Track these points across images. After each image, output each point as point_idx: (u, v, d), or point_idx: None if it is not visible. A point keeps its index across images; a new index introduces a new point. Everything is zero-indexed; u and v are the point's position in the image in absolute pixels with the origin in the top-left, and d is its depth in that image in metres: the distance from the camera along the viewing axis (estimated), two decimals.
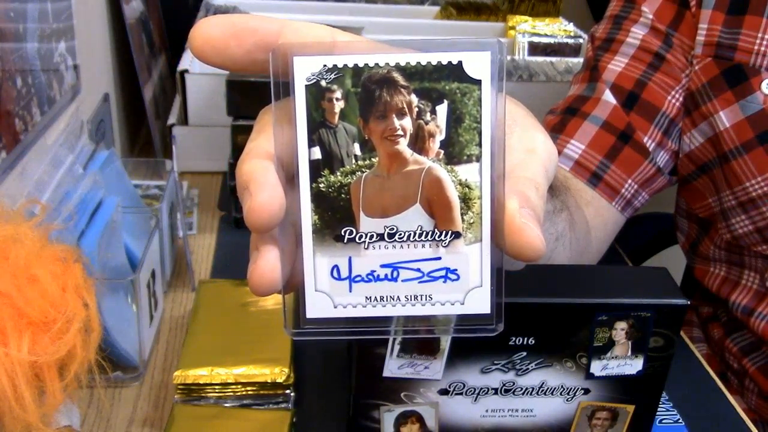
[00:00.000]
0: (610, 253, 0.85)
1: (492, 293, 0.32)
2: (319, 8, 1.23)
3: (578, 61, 1.01)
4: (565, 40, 1.09)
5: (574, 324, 0.50)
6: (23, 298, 0.43)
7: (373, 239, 0.31)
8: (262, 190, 0.30)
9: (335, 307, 0.32)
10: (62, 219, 0.57)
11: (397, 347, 0.49)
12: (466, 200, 0.31)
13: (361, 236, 0.31)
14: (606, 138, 0.71)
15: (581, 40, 1.11)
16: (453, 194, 0.31)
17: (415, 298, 0.32)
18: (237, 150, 0.79)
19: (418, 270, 0.32)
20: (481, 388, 0.51)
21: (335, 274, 0.31)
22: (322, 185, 0.31)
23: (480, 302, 0.32)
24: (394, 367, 0.50)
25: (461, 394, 0.51)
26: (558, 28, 1.14)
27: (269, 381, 0.56)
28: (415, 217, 0.31)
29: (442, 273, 0.32)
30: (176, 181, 0.73)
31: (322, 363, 0.64)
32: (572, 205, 0.68)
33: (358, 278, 0.31)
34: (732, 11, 0.66)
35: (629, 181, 0.71)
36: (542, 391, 0.52)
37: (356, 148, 0.31)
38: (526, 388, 0.52)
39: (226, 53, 0.32)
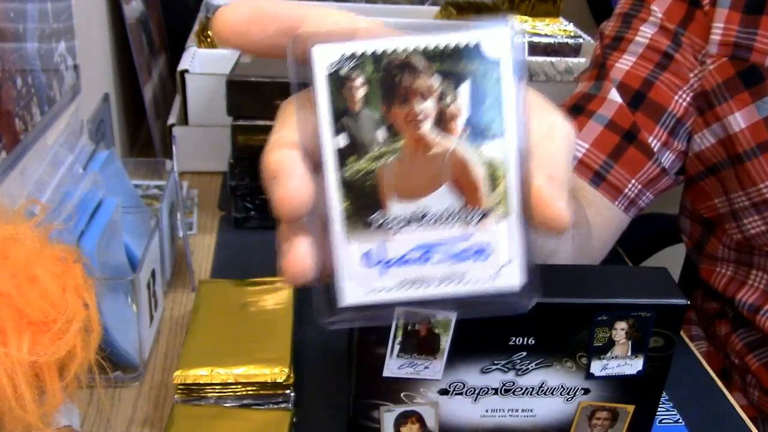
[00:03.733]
0: (610, 253, 0.85)
1: (523, 268, 0.32)
2: None
3: (578, 61, 1.01)
4: (565, 40, 1.09)
5: (574, 324, 0.50)
6: (23, 298, 0.43)
7: (403, 223, 0.31)
8: (291, 179, 0.30)
9: (368, 293, 0.32)
10: (62, 219, 0.57)
11: (397, 347, 0.49)
12: (492, 178, 0.31)
13: (390, 220, 0.31)
14: (610, 137, 0.70)
15: (581, 40, 1.11)
16: (479, 173, 0.31)
17: (448, 278, 0.32)
18: (237, 150, 0.79)
19: (449, 250, 0.32)
20: (481, 388, 0.51)
21: (367, 260, 0.32)
22: (349, 172, 0.31)
23: (512, 278, 0.32)
24: (394, 367, 0.50)
25: (461, 394, 0.51)
26: (558, 28, 1.14)
27: (269, 381, 0.56)
28: (443, 198, 0.31)
29: (473, 251, 0.32)
30: (176, 181, 0.73)
31: (322, 363, 0.64)
32: (575, 202, 0.67)
33: (390, 262, 0.32)
34: (748, 11, 0.65)
35: (633, 181, 0.71)
36: (542, 391, 0.52)
37: (381, 134, 0.31)
38: (526, 388, 0.52)
39: (248, 38, 0.32)
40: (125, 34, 0.96)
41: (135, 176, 0.78)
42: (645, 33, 0.71)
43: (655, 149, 0.70)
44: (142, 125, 1.12)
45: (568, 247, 0.63)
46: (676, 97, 0.69)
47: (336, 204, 0.31)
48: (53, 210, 0.59)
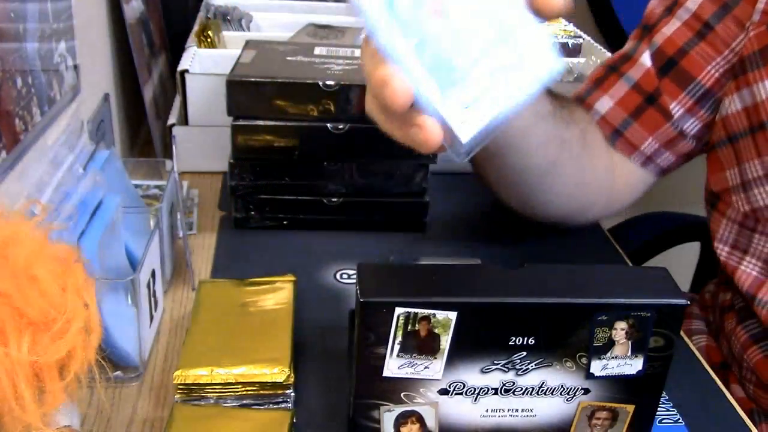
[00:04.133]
0: (611, 253, 0.85)
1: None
2: (319, 8, 1.23)
3: (578, 61, 1.01)
4: (565, 40, 1.09)
5: (574, 324, 0.50)
6: (23, 298, 0.43)
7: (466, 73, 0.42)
8: (397, 79, 0.40)
9: (472, 125, 0.42)
10: (62, 219, 0.57)
11: (397, 347, 0.49)
12: None
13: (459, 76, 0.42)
14: (633, 98, 0.75)
15: (581, 40, 1.11)
16: None
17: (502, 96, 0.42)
18: (237, 150, 0.79)
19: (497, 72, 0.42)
20: (481, 388, 0.51)
21: (460, 106, 0.42)
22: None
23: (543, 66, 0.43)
24: (394, 367, 0.50)
25: (461, 394, 0.52)
26: (558, 28, 1.14)
27: (269, 381, 0.56)
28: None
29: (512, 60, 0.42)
30: (176, 181, 0.73)
31: (322, 363, 0.64)
32: (588, 130, 0.74)
33: (471, 103, 0.42)
34: None
35: (650, 139, 0.76)
36: (542, 391, 0.52)
37: None
38: (526, 388, 0.52)
39: None
40: (125, 34, 0.96)
41: (135, 176, 0.78)
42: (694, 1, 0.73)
43: (676, 114, 0.74)
44: (142, 125, 1.12)
45: (573, 164, 0.71)
46: (709, 68, 0.72)
47: (429, 83, 0.41)
48: (53, 210, 0.59)
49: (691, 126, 0.75)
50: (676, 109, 0.74)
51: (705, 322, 0.89)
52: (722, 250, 0.77)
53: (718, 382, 0.66)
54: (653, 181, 0.80)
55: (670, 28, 0.74)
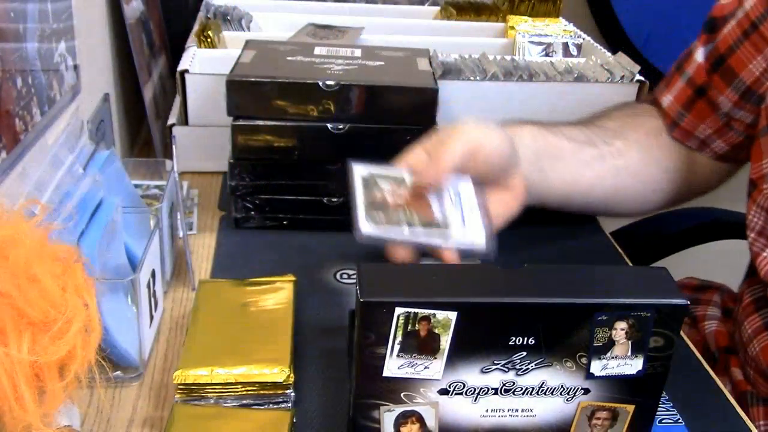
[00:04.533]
0: (610, 254, 0.85)
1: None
2: (319, 8, 1.23)
3: (578, 61, 1.01)
4: (565, 40, 1.09)
5: (574, 324, 0.50)
6: (23, 298, 0.43)
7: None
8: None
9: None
10: (62, 219, 0.57)
11: (397, 347, 0.49)
12: None
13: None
14: (686, 91, 0.83)
15: (581, 40, 1.11)
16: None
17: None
18: (237, 150, 0.79)
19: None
20: (481, 388, 0.51)
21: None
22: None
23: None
24: (394, 367, 0.50)
25: (461, 394, 0.51)
26: (558, 28, 1.14)
27: (269, 381, 0.56)
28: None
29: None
30: (176, 181, 0.73)
31: (322, 363, 0.64)
32: (651, 132, 0.83)
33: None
34: None
35: (702, 126, 0.83)
36: (542, 391, 0.52)
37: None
38: (526, 388, 0.52)
39: None
40: (125, 34, 0.96)
41: (135, 176, 0.78)
42: (750, 1, 0.77)
43: (723, 106, 0.80)
44: (142, 125, 1.12)
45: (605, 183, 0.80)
46: (751, 66, 0.77)
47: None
48: (53, 210, 0.59)
49: (742, 116, 0.80)
50: (723, 102, 0.80)
51: (722, 310, 0.92)
52: (750, 237, 0.79)
53: (718, 382, 0.66)
54: (726, 171, 0.87)
55: (728, 27, 0.79)
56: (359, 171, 0.69)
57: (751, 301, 0.82)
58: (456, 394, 0.51)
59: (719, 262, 1.35)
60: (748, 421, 0.62)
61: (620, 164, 0.81)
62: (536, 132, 0.76)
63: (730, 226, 1.18)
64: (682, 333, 0.75)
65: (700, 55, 0.82)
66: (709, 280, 1.01)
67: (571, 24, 1.19)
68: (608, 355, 0.51)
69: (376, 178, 0.69)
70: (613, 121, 0.83)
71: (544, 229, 0.83)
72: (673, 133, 0.85)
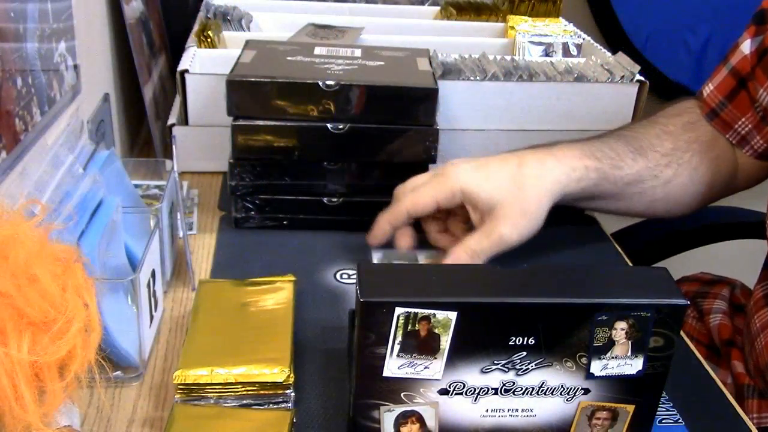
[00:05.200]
0: (611, 254, 0.85)
1: None
2: (319, 8, 1.23)
3: (578, 61, 1.01)
4: (565, 40, 1.09)
5: (574, 324, 0.50)
6: (23, 298, 0.43)
7: None
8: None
9: None
10: (62, 219, 0.57)
11: (397, 347, 0.49)
12: None
13: None
14: (730, 82, 0.83)
15: (581, 40, 1.11)
16: None
17: None
18: (237, 150, 0.79)
19: None
20: (481, 388, 0.51)
21: None
22: None
23: None
24: (394, 367, 0.50)
25: (461, 394, 0.52)
26: (558, 28, 1.14)
27: (269, 381, 0.56)
28: None
29: None
30: (176, 181, 0.73)
31: (322, 363, 0.64)
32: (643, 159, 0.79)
33: None
34: None
35: (742, 119, 0.82)
36: (542, 391, 0.52)
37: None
38: (526, 388, 0.52)
39: None
40: (125, 34, 0.96)
41: (135, 176, 0.78)
42: None
43: (762, 100, 0.79)
44: (142, 125, 1.12)
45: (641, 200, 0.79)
46: None
47: None
48: (53, 210, 0.59)
49: None
50: (762, 96, 0.79)
51: (729, 304, 0.93)
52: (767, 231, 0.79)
53: (718, 382, 0.66)
54: (766, 171, 0.86)
55: None
56: (377, 255, 0.77)
57: (762, 296, 0.82)
58: (456, 394, 0.51)
59: (741, 260, 1.36)
60: (748, 421, 0.62)
61: (668, 192, 0.80)
62: (585, 169, 0.73)
63: (730, 227, 1.18)
64: (685, 330, 0.75)
65: (746, 46, 0.82)
66: (723, 276, 1.02)
67: (571, 24, 1.19)
68: (608, 355, 0.51)
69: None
70: (668, 142, 0.81)
71: (544, 229, 0.83)
72: (713, 122, 0.84)
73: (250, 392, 0.56)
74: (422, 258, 0.77)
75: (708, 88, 0.85)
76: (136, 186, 0.77)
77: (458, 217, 0.76)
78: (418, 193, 0.72)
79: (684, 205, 0.84)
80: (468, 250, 0.69)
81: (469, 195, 0.70)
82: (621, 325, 0.50)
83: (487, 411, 0.53)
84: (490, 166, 0.71)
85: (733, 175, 0.86)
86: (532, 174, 0.70)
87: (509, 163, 0.71)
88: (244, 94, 0.77)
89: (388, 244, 0.76)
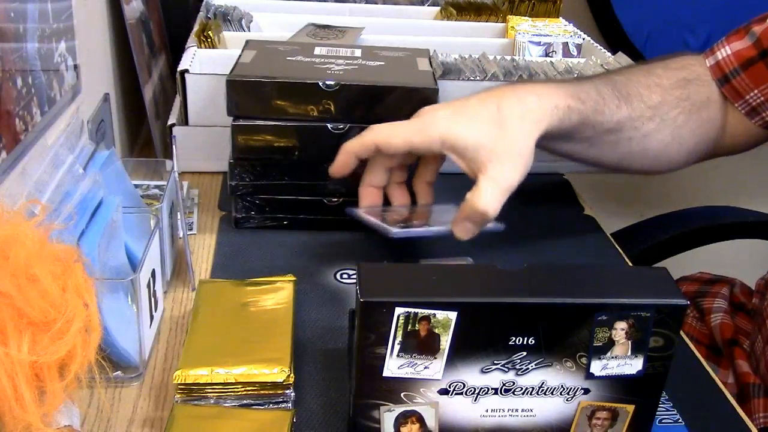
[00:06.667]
0: (610, 255, 0.85)
1: None
2: (319, 8, 1.23)
3: (578, 61, 1.01)
4: (565, 40, 1.09)
5: (574, 324, 0.50)
6: (23, 298, 0.43)
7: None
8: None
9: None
10: (62, 219, 0.57)
11: (397, 347, 0.49)
12: None
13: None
14: (750, 51, 0.79)
15: (581, 40, 1.11)
16: None
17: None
18: (237, 150, 0.79)
19: None
20: (481, 388, 0.51)
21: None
22: None
23: None
24: (394, 367, 0.50)
25: (461, 394, 0.52)
26: (558, 28, 1.14)
27: (269, 381, 0.56)
28: None
29: None
30: (176, 181, 0.73)
31: (322, 363, 0.64)
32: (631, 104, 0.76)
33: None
34: None
35: (756, 91, 0.79)
36: (542, 391, 0.52)
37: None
38: (526, 388, 0.52)
39: None
40: (125, 34, 0.96)
41: (135, 176, 0.78)
42: None
43: None
44: (142, 125, 1.12)
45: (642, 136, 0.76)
46: None
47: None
48: (53, 210, 0.59)
49: None
50: None
51: (729, 303, 0.93)
52: None
53: (718, 382, 0.66)
54: (762, 139, 0.83)
55: None
56: (360, 212, 0.75)
57: None
58: (456, 394, 0.51)
59: (740, 259, 1.36)
60: (748, 420, 0.62)
61: (646, 147, 0.78)
62: (568, 109, 0.71)
63: (729, 227, 1.19)
64: (684, 330, 0.75)
65: None
66: (722, 275, 1.02)
67: (571, 24, 1.19)
68: (608, 355, 0.51)
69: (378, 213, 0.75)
70: (656, 95, 0.78)
71: (544, 229, 0.83)
72: (723, 88, 0.81)
73: (250, 392, 0.56)
74: (406, 211, 0.76)
75: (724, 51, 0.81)
76: (136, 186, 0.77)
77: (398, 174, 0.75)
78: (394, 129, 0.69)
79: (661, 164, 0.82)
80: (482, 203, 0.66)
81: (453, 143, 0.67)
82: (621, 325, 0.50)
83: (487, 411, 0.53)
84: (469, 110, 0.68)
85: (719, 140, 0.83)
86: (515, 113, 0.67)
87: (488, 104, 0.68)
88: (244, 94, 0.77)
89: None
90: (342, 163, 0.72)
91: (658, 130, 0.78)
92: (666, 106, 0.78)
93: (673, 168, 0.83)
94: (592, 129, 0.73)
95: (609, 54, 1.04)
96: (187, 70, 0.91)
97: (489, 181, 0.66)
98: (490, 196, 0.65)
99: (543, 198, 0.95)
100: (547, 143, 0.72)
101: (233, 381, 0.56)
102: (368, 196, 0.74)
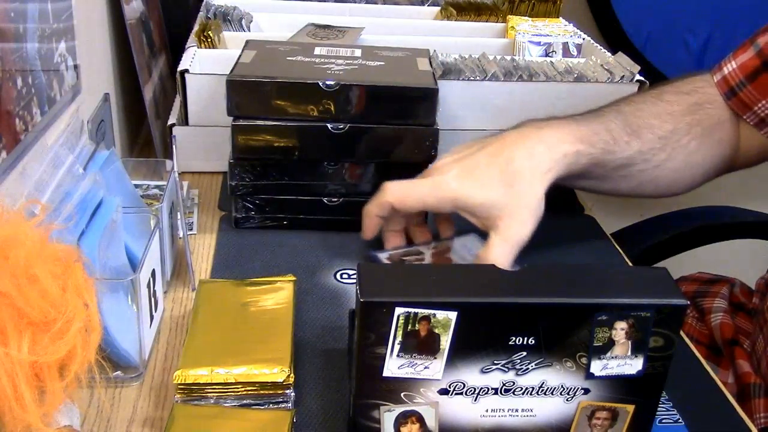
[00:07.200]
0: (610, 254, 0.85)
1: None
2: (320, 8, 1.23)
3: (578, 61, 1.01)
4: (565, 40, 1.09)
5: (574, 324, 0.50)
6: (23, 298, 0.43)
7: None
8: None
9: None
10: (62, 219, 0.57)
11: (397, 347, 0.49)
12: None
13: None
14: (754, 62, 0.80)
15: (581, 40, 1.11)
16: None
17: None
18: (237, 150, 0.79)
19: None
20: (481, 388, 0.51)
21: None
22: None
23: None
24: (394, 367, 0.50)
25: (461, 394, 0.52)
26: (558, 28, 1.14)
27: (269, 381, 0.56)
28: None
29: None
30: (176, 181, 0.73)
31: (322, 363, 0.64)
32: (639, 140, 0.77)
33: None
34: None
35: (763, 102, 0.80)
36: (542, 391, 0.52)
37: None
38: (526, 388, 0.52)
39: None
40: (125, 34, 0.96)
41: (135, 176, 0.78)
42: None
43: None
44: (142, 125, 1.12)
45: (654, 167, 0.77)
46: None
47: None
48: (53, 210, 0.59)
49: None
50: None
51: (729, 302, 0.93)
52: None
53: (718, 382, 0.66)
54: None
55: None
56: (382, 257, 0.75)
57: None
58: (456, 394, 0.51)
59: (737, 259, 1.36)
60: (748, 420, 0.62)
61: (657, 176, 0.78)
62: (577, 154, 0.71)
63: (728, 227, 1.19)
64: (684, 331, 0.75)
65: None
66: (722, 275, 1.02)
67: (571, 24, 1.19)
68: (608, 355, 0.51)
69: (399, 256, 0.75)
70: (668, 124, 0.79)
71: (544, 229, 0.83)
72: (731, 101, 0.81)
73: (250, 392, 0.56)
74: (427, 249, 0.77)
75: (730, 66, 0.82)
76: (136, 186, 0.77)
77: (417, 218, 0.77)
78: (407, 190, 0.71)
79: (677, 188, 0.82)
80: (492, 260, 0.67)
81: (463, 205, 0.69)
82: (621, 325, 0.50)
83: (487, 411, 0.53)
84: (479, 171, 0.69)
85: (733, 157, 0.83)
86: (524, 168, 0.68)
87: (498, 161, 0.69)
88: (244, 94, 0.77)
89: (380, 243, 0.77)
90: (369, 226, 0.74)
91: (669, 159, 0.78)
92: (677, 134, 0.79)
93: (689, 189, 0.84)
94: (602, 168, 0.74)
95: (609, 54, 1.04)
96: (187, 70, 0.91)
97: (499, 239, 0.68)
98: (500, 253, 0.67)
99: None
100: (557, 182, 0.72)
101: (233, 381, 0.56)
102: (391, 239, 0.76)
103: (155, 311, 0.65)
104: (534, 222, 0.68)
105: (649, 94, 0.82)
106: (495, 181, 0.68)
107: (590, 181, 0.77)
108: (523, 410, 0.53)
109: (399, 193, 0.71)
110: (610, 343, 0.50)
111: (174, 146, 0.76)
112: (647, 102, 0.80)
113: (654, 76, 0.95)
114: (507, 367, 0.51)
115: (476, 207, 0.69)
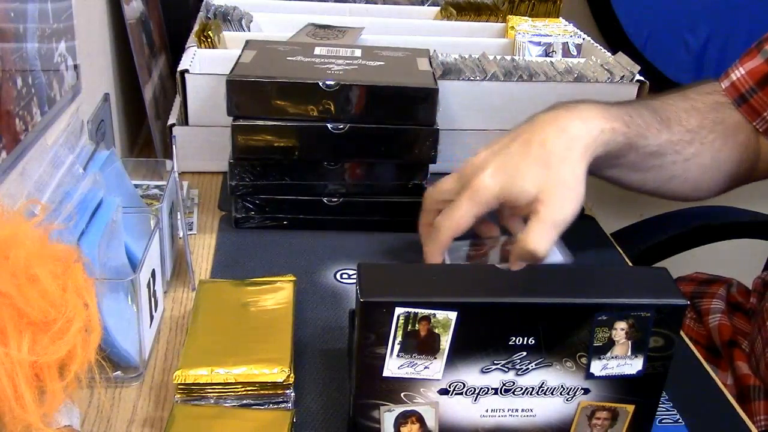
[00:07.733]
0: (610, 254, 0.85)
1: None
2: (320, 8, 1.23)
3: (578, 61, 1.01)
4: (565, 40, 1.09)
5: (574, 324, 0.50)
6: (23, 298, 0.43)
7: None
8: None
9: None
10: (62, 219, 0.57)
11: (397, 347, 0.49)
12: None
13: None
14: (763, 68, 0.80)
15: (581, 40, 1.11)
16: None
17: None
18: (237, 150, 0.79)
19: None
20: (481, 388, 0.51)
21: None
22: None
23: None
24: (394, 367, 0.50)
25: (461, 394, 0.52)
26: (558, 28, 1.14)
27: (269, 381, 0.56)
28: None
29: None
30: (176, 181, 0.73)
31: (322, 363, 0.64)
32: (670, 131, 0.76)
33: None
34: None
35: None
36: (542, 391, 0.52)
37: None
38: (526, 388, 0.52)
39: None
40: (125, 34, 0.96)
41: (135, 176, 0.78)
42: None
43: None
44: (142, 125, 1.12)
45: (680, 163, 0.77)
46: None
47: None
48: (53, 210, 0.59)
49: None
50: None
51: (727, 303, 0.93)
52: None
53: (718, 382, 0.66)
54: None
55: None
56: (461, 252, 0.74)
57: None
58: (456, 394, 0.51)
59: (733, 259, 1.36)
60: (748, 421, 0.62)
61: (687, 170, 0.78)
62: (613, 132, 0.69)
63: (727, 227, 1.19)
64: (683, 331, 0.75)
65: None
66: (719, 275, 1.02)
67: (571, 24, 1.19)
68: (608, 355, 0.51)
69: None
70: (694, 119, 0.78)
71: None
72: (741, 108, 0.81)
73: (250, 392, 0.56)
74: (466, 247, 0.75)
75: (738, 72, 0.82)
76: (136, 186, 0.77)
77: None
78: (455, 216, 0.67)
79: (701, 189, 0.81)
80: (530, 244, 0.64)
81: (506, 199, 0.66)
82: (621, 325, 0.50)
83: (487, 411, 0.53)
84: (513, 160, 0.66)
85: (755, 164, 0.83)
86: (560, 145, 0.66)
87: (532, 145, 0.67)
88: (244, 94, 0.77)
89: None
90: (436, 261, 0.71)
91: (697, 155, 0.77)
92: (704, 130, 0.78)
93: (712, 194, 0.83)
94: (635, 153, 0.73)
95: (609, 54, 1.04)
96: (187, 70, 0.91)
97: (537, 221, 0.65)
98: (538, 236, 0.64)
99: None
100: (592, 168, 0.70)
101: (233, 381, 0.56)
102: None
103: (155, 311, 0.65)
104: (575, 201, 0.66)
105: (673, 91, 0.82)
106: (532, 168, 0.66)
107: (621, 170, 0.75)
108: (523, 410, 0.53)
109: (451, 225, 0.68)
110: (610, 343, 0.50)
111: (174, 146, 0.76)
112: (673, 98, 0.79)
113: (654, 76, 0.95)
114: (507, 367, 0.51)
115: (518, 199, 0.66)
